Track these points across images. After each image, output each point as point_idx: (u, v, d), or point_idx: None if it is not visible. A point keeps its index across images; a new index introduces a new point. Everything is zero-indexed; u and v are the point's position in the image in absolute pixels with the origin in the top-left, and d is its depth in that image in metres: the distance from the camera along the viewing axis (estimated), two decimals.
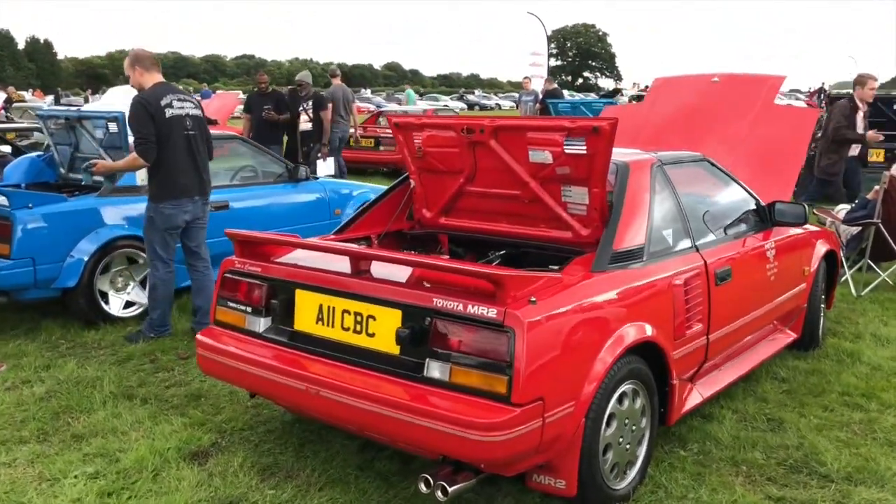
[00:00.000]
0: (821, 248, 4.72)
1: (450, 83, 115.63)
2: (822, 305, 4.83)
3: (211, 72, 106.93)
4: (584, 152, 3.30)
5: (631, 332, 3.02)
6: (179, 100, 4.88)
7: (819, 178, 7.59)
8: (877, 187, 5.84)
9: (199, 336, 3.46)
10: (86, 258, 5.17)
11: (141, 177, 5.25)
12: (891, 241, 5.70)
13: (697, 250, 3.58)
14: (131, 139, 4.94)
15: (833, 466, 3.29)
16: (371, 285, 3.00)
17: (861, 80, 7.66)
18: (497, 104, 56.28)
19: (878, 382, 4.20)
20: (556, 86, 15.53)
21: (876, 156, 9.73)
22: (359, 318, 2.98)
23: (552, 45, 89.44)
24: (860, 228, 5.90)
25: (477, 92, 72.89)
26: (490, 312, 2.64)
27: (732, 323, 3.77)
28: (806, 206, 4.23)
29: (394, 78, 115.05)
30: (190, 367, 4.51)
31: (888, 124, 9.67)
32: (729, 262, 3.72)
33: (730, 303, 3.72)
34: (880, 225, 5.70)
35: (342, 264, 3.16)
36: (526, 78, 16.74)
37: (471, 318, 2.68)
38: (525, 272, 2.83)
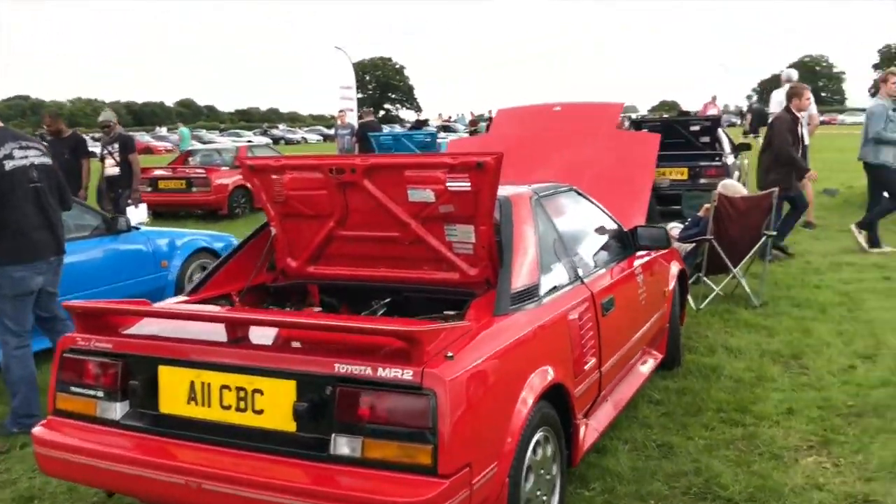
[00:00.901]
0: (674, 268, 4.86)
1: (248, 118, 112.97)
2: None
3: None
4: (469, 189, 3.12)
5: (541, 377, 2.85)
6: (22, 147, 4.21)
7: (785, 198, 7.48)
8: (707, 205, 6.17)
9: (35, 432, 2.88)
10: None
11: None
12: (724, 255, 6.02)
13: (583, 282, 3.51)
14: None
15: (735, 489, 3.29)
16: (255, 354, 2.62)
17: (797, 91, 7.82)
18: (303, 138, 55.63)
19: (745, 395, 4.34)
20: (373, 118, 15.43)
21: (679, 174, 10.35)
22: (242, 394, 2.58)
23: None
24: (695, 245, 6.19)
25: (281, 126, 71.66)
26: (406, 374, 2.36)
27: (618, 352, 3.73)
28: (666, 229, 4.31)
29: (188, 115, 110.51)
30: (12, 462, 3.81)
31: (685, 145, 10.41)
32: (611, 291, 3.68)
33: (615, 332, 3.68)
34: (713, 241, 6.00)
35: (214, 331, 2.75)
36: (341, 111, 16.52)
37: (382, 382, 2.38)
38: (438, 324, 2.58)
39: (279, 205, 3.56)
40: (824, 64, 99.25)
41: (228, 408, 2.60)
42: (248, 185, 13.23)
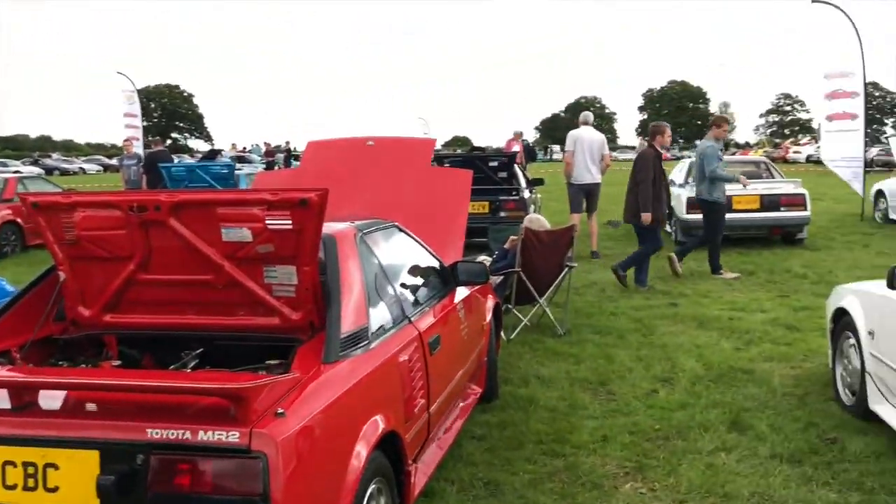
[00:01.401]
0: (490, 301, 4.91)
1: (16, 146, 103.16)
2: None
3: None
4: (291, 227, 2.93)
5: (374, 426, 2.71)
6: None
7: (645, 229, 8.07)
8: (513, 238, 6.35)
9: None
10: None
11: None
12: (531, 286, 6.21)
13: (410, 321, 3.41)
14: None
15: None
16: (46, 422, 2.26)
17: (661, 129, 8.36)
18: (81, 168, 51.59)
19: (562, 425, 4.43)
20: (163, 148, 14.54)
21: (481, 208, 10.63)
22: (31, 471, 2.22)
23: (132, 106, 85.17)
24: (504, 277, 6.33)
25: (55, 155, 65.96)
26: (231, 436, 2.13)
27: (445, 391, 3.67)
28: (485, 264, 4.34)
29: None
30: None
31: (485, 180, 10.74)
32: (436, 329, 3.62)
33: (442, 370, 3.62)
34: (521, 273, 6.17)
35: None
36: (127, 140, 15.39)
37: (204, 447, 2.13)
38: (264, 377, 2.36)
39: (69, 246, 3.16)
40: (597, 105, 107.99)
41: (14, 487, 2.22)
42: (19, 220, 11.97)
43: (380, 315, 3.17)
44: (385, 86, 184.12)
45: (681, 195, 11.16)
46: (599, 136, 10.47)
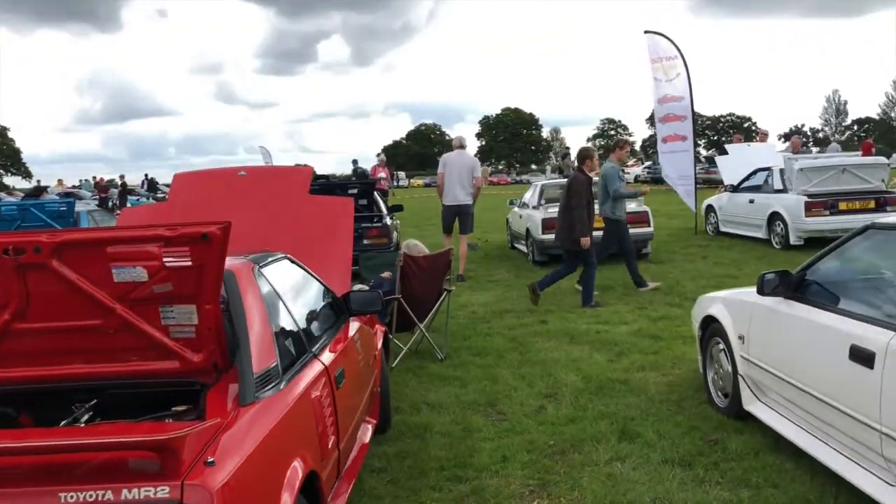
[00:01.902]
0: (379, 330, 4.85)
1: None
2: None
3: None
4: (190, 264, 2.76)
5: (298, 468, 2.59)
6: None
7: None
8: (397, 261, 6.32)
9: None
10: None
11: None
12: (411, 312, 6.19)
13: (315, 355, 3.30)
14: None
15: None
16: None
17: (590, 154, 8.67)
18: None
19: (460, 449, 4.43)
20: None
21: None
22: None
23: None
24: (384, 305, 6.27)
25: None
26: (161, 492, 1.96)
27: (351, 425, 3.57)
28: (380, 293, 4.29)
29: None
30: None
31: (365, 208, 10.68)
32: (340, 362, 3.52)
33: (347, 404, 3.52)
34: (401, 299, 6.15)
35: None
36: None
37: None
38: (190, 425, 2.19)
39: None
40: (437, 132, 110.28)
41: None
42: None
43: (285, 351, 3.05)
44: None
45: (534, 216, 11.56)
46: (471, 160, 10.72)
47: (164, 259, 2.75)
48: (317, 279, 4.00)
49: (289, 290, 3.51)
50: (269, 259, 3.53)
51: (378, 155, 17.23)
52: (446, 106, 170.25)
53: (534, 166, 74.32)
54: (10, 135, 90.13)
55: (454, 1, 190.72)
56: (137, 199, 33.58)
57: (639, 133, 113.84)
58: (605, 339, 6.84)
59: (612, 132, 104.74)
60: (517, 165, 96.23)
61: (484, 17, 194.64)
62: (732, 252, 12.00)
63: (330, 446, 3.09)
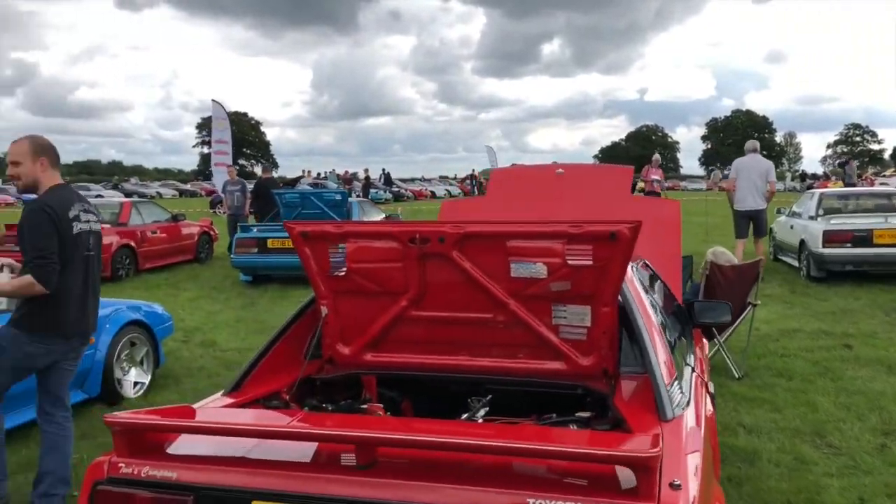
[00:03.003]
0: (705, 342, 4.55)
1: (90, 171, 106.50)
2: None
3: None
4: (591, 264, 2.64)
5: (721, 494, 2.38)
6: (85, 211, 3.65)
7: None
8: (703, 269, 5.98)
9: None
10: None
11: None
12: (711, 324, 5.81)
13: (693, 369, 3.08)
14: None
15: None
16: (403, 485, 1.97)
17: None
18: (157, 192, 52.63)
19: (801, 483, 4.02)
20: (272, 175, 14.51)
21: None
22: None
23: (203, 132, 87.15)
24: None
25: (133, 180, 67.52)
26: None
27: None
28: (729, 304, 3.99)
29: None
30: None
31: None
32: (704, 375, 3.28)
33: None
34: None
35: (316, 451, 2.10)
36: (231, 167, 15.51)
37: None
38: (650, 440, 2.04)
39: (335, 279, 2.92)
40: (659, 133, 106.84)
41: None
42: (133, 244, 11.95)
43: (677, 362, 2.86)
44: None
45: (812, 227, 10.57)
46: (765, 164, 10.53)
47: (567, 256, 2.66)
48: (666, 286, 3.78)
49: (655, 297, 3.32)
50: (638, 261, 3.37)
51: (654, 156, 16.19)
52: (666, 107, 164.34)
53: (788, 174, 68.74)
54: (262, 129, 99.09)
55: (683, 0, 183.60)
56: (376, 192, 35.48)
57: (889, 140, 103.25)
58: None
59: (858, 138, 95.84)
60: None
61: (716, 17, 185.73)
62: None
63: (717, 473, 2.86)
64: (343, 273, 2.88)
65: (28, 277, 3.44)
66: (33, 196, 3.61)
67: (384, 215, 13.10)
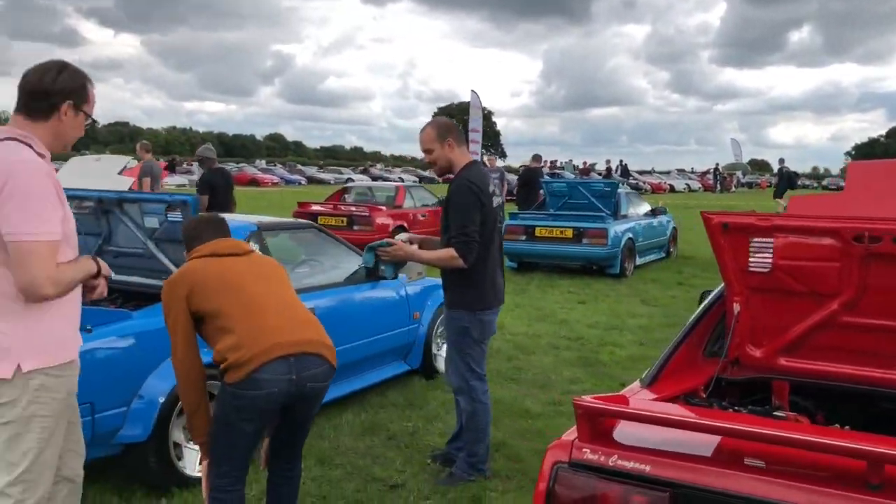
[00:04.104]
0: None
1: (334, 155, 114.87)
2: None
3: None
4: None
5: None
6: (494, 184, 3.99)
7: None
8: None
9: None
10: (161, 399, 3.63)
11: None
12: None
13: None
14: None
15: None
16: None
17: None
18: (400, 178, 55.44)
19: None
20: (539, 165, 14.69)
21: None
22: None
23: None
24: None
25: (378, 166, 71.70)
26: None
27: None
28: None
29: (276, 149, 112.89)
30: None
31: None
32: None
33: None
34: None
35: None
36: (491, 155, 15.94)
37: None
38: None
39: (753, 276, 2.76)
40: None
41: None
42: (405, 226, 12.55)
43: None
44: None
45: None
46: None
47: None
48: None
49: None
50: None
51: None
52: None
53: None
54: (493, 119, 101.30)
55: None
56: None
57: None
58: None
59: None
60: None
61: None
62: None
63: None
64: (765, 269, 2.72)
65: (450, 250, 3.68)
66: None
67: (650, 207, 12.71)
